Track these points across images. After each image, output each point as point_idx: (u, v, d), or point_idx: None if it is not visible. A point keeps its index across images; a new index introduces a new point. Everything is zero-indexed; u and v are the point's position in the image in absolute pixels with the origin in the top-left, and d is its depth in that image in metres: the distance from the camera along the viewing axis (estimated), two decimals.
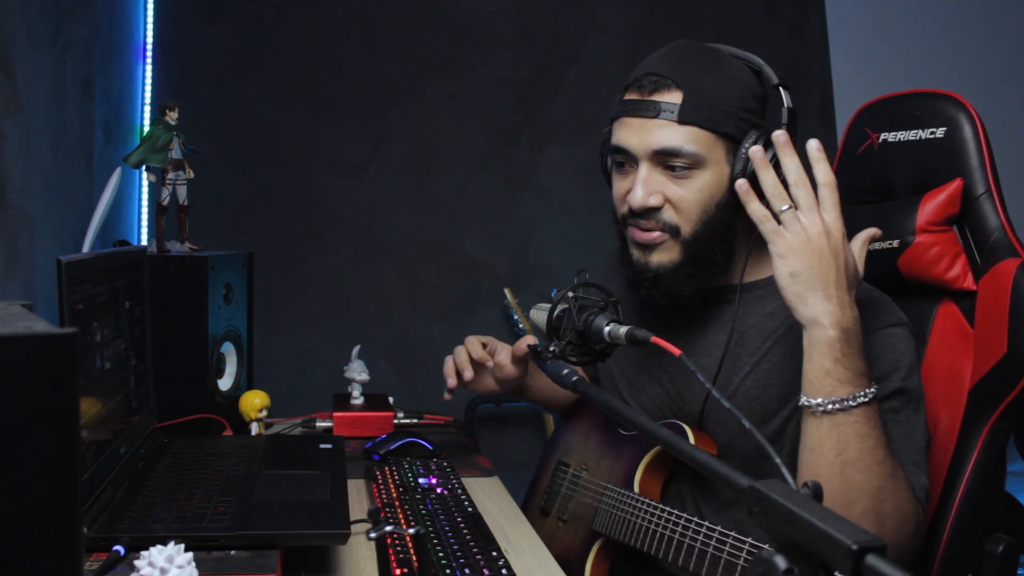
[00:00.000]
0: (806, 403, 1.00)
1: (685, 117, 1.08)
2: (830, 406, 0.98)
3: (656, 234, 1.13)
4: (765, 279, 1.18)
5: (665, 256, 1.14)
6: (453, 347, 1.39)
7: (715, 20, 2.60)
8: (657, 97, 1.10)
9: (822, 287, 0.98)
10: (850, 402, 0.98)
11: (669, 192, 1.11)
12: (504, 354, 1.35)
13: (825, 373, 0.98)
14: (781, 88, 1.11)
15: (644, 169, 1.11)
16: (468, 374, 1.34)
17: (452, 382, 1.36)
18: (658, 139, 1.09)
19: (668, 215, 1.12)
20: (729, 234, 1.14)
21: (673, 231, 1.12)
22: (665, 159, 1.10)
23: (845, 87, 2.62)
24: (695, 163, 1.09)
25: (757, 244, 1.19)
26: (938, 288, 1.24)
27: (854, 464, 0.98)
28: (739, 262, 1.17)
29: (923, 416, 1.09)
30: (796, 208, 0.99)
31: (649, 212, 1.12)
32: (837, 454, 0.98)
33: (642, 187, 1.11)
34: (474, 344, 1.36)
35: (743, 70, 1.14)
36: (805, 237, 0.98)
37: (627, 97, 1.13)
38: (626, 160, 1.14)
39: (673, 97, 1.09)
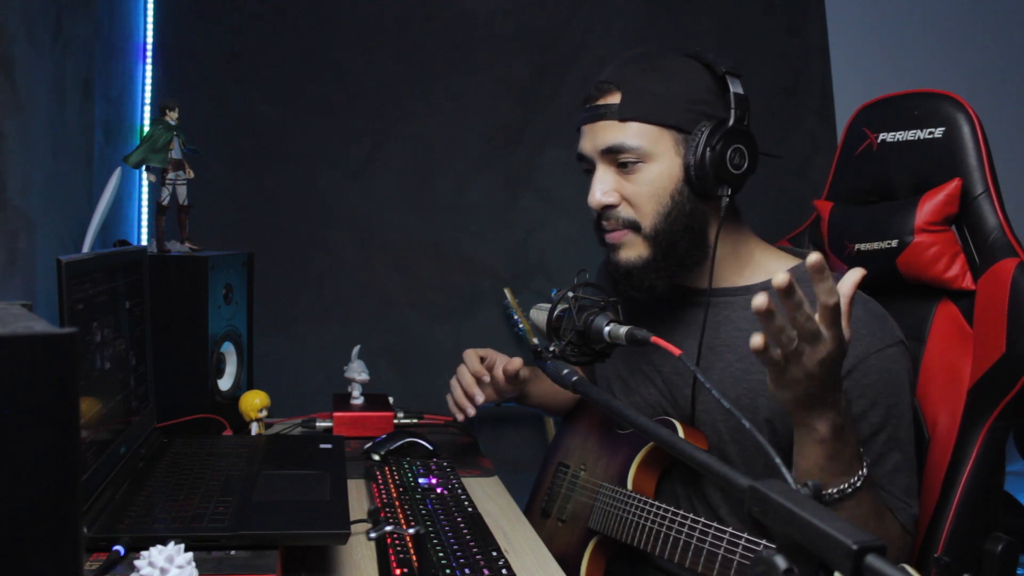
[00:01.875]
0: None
1: (625, 114, 1.14)
2: (825, 499, 0.97)
3: (619, 233, 1.17)
4: (761, 283, 1.19)
5: (632, 252, 1.17)
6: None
7: (715, 20, 2.60)
8: (600, 101, 1.17)
9: (821, 401, 0.92)
10: (847, 490, 0.97)
11: (624, 189, 1.16)
12: (501, 369, 1.35)
13: (820, 469, 0.97)
14: (728, 76, 1.14)
15: (599, 170, 1.18)
16: (479, 398, 1.35)
17: (472, 411, 1.36)
18: (604, 139, 1.16)
19: (625, 212, 1.17)
20: (693, 224, 1.15)
21: (633, 226, 1.16)
22: (614, 157, 1.16)
23: (845, 87, 2.61)
24: (641, 156, 1.14)
25: (746, 245, 1.20)
26: (937, 288, 1.24)
27: None
28: (710, 261, 1.16)
29: (912, 441, 1.10)
30: (812, 340, 0.86)
31: (608, 211, 1.17)
32: None
33: (598, 186, 1.17)
34: (472, 359, 1.37)
35: (692, 67, 1.17)
36: (815, 366, 0.87)
37: (583, 108, 1.20)
38: (588, 166, 1.20)
39: (614, 99, 1.16)
